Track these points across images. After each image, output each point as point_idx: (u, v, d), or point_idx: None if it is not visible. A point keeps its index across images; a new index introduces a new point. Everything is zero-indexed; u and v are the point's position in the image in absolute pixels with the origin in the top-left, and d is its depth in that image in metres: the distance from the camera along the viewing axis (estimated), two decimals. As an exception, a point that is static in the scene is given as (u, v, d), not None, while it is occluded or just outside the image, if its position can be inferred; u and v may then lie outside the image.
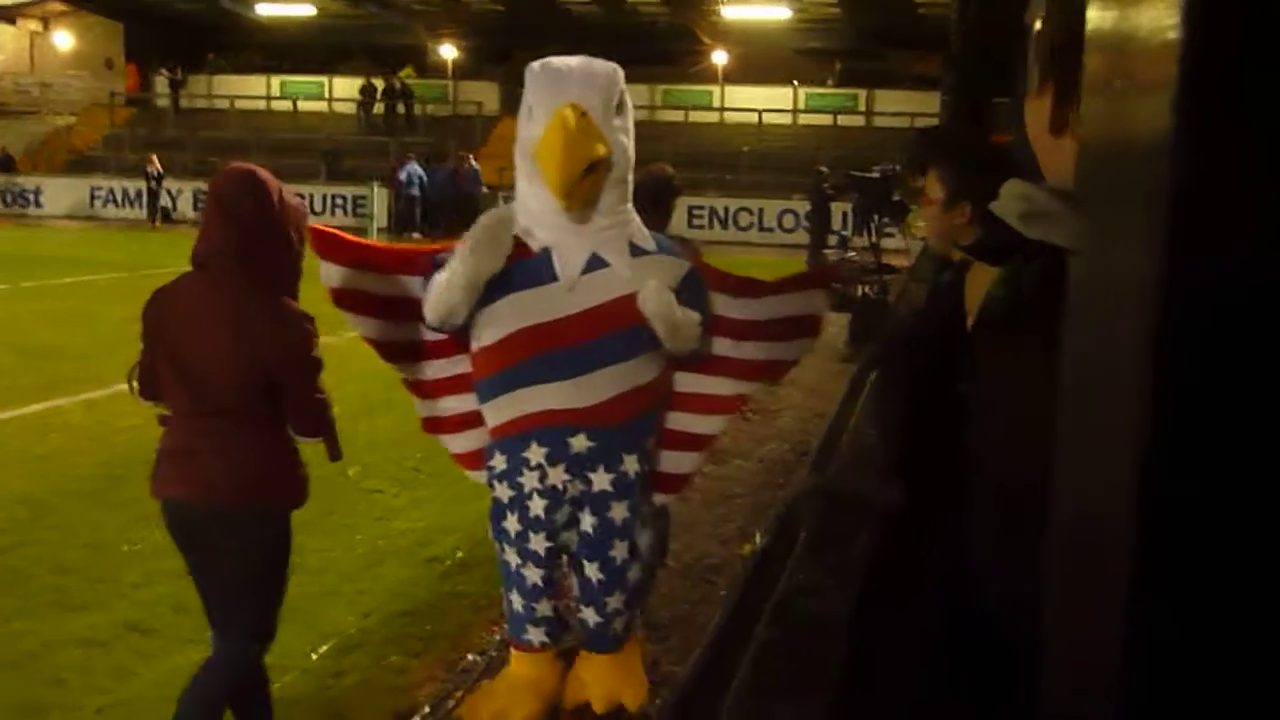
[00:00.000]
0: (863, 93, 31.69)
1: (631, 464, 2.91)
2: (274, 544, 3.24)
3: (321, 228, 2.97)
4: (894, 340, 4.10)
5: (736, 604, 2.10)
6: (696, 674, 1.72)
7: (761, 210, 26.59)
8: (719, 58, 34.00)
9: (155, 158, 27.44)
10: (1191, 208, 0.53)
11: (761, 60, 33.64)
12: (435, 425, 3.17)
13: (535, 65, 2.87)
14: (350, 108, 33.44)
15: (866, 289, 11.61)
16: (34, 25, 38.45)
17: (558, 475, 2.85)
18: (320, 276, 2.89)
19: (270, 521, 3.21)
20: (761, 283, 3.14)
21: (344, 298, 2.92)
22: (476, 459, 3.11)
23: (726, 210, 26.63)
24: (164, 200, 27.85)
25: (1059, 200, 1.34)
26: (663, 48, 33.25)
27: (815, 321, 3.19)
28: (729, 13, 31.67)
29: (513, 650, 3.08)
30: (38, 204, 29.41)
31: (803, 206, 23.27)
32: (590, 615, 2.98)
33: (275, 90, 34.46)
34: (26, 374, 9.09)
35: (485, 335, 2.86)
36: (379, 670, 4.13)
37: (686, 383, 3.07)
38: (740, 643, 1.66)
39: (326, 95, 34.22)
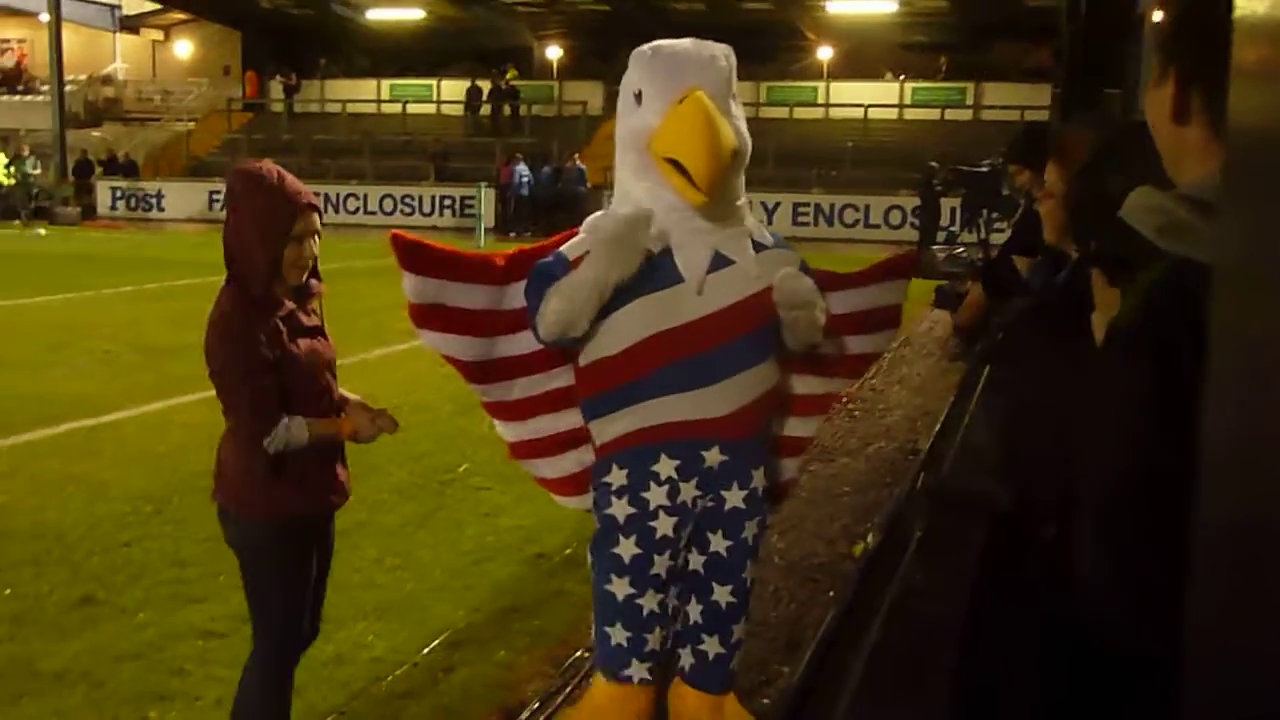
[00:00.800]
0: (970, 86, 31.17)
1: (760, 479, 2.72)
2: (252, 553, 3.20)
3: (404, 235, 2.60)
4: (1006, 338, 4.02)
5: (848, 605, 2.07)
6: (807, 675, 1.70)
7: (868, 207, 26.30)
8: (824, 53, 33.72)
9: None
10: None
11: (866, 55, 33.28)
12: (527, 449, 2.89)
13: (646, 50, 2.61)
14: (457, 109, 33.90)
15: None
16: (156, 35, 39.78)
17: (689, 491, 2.61)
18: (404, 291, 2.59)
19: (244, 528, 3.18)
20: (845, 275, 3.00)
21: (427, 315, 2.61)
22: (573, 483, 2.89)
23: (832, 207, 26.42)
24: (278, 203, 28.56)
25: (1199, 212, 1.27)
26: (767, 44, 33.10)
27: (897, 311, 3.07)
28: (833, 8, 31.41)
29: (601, 686, 2.79)
30: (159, 208, 30.41)
31: (909, 202, 22.96)
32: (713, 646, 2.74)
33: (384, 94, 35.12)
34: (148, 372, 9.38)
35: (607, 345, 2.58)
36: (487, 666, 4.17)
37: (791, 384, 2.91)
38: (851, 644, 1.64)
39: (434, 98, 34.77)
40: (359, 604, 4.71)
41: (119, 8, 37.86)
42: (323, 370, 3.20)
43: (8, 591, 4.82)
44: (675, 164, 2.49)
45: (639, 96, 2.57)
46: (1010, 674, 1.79)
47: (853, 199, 26.49)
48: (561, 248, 2.66)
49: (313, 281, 3.27)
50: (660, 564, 2.64)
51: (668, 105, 2.49)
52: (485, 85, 33.44)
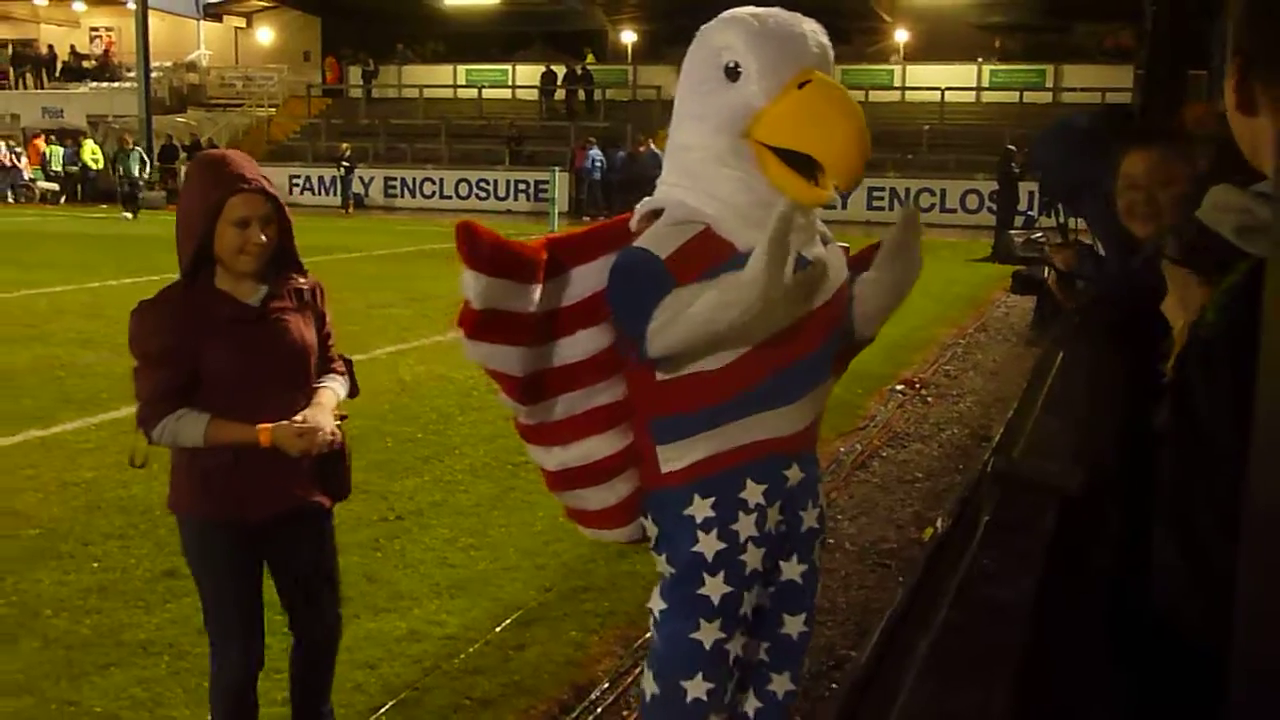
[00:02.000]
0: (1050, 68, 30.65)
1: (823, 493, 2.49)
2: (184, 549, 3.15)
3: (476, 225, 2.06)
4: (1080, 323, 3.97)
5: (915, 587, 2.07)
6: (874, 656, 1.70)
7: (944, 191, 26.00)
8: (900, 36, 33.34)
9: (345, 147, 28.60)
10: None
11: (943, 37, 32.85)
12: (570, 479, 2.45)
13: (747, 15, 2.20)
14: (532, 94, 34.08)
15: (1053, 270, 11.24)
16: (238, 21, 40.49)
17: (774, 517, 2.31)
18: (466, 293, 2.07)
19: (180, 523, 3.13)
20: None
21: (487, 324, 2.11)
22: (613, 516, 2.47)
23: (907, 191, 26.11)
24: (356, 187, 29.03)
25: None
26: (842, 27, 32.79)
27: None
28: (910, -11, 31.06)
29: None
30: (241, 192, 30.90)
31: (987, 186, 22.69)
32: (781, 685, 2.47)
33: (460, 78, 35.42)
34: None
35: (709, 358, 2.21)
36: (558, 644, 4.22)
37: None
38: (918, 626, 1.64)
39: (509, 82, 34.98)
40: (433, 582, 4.80)
41: (203, -5, 38.61)
42: (268, 373, 2.98)
43: (95, 564, 4.98)
44: (791, 155, 2.13)
45: (733, 70, 2.17)
46: (1079, 658, 1.79)
47: (929, 183, 26.19)
48: (643, 243, 2.25)
49: (293, 277, 3.09)
50: (749, 601, 2.33)
51: (780, 87, 2.12)
52: (560, 70, 33.58)
